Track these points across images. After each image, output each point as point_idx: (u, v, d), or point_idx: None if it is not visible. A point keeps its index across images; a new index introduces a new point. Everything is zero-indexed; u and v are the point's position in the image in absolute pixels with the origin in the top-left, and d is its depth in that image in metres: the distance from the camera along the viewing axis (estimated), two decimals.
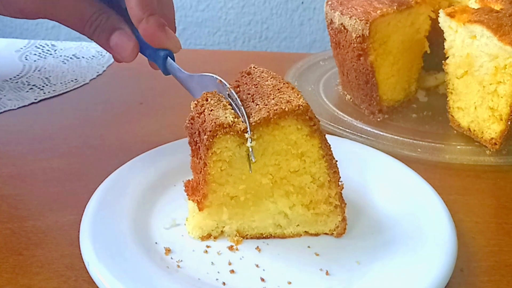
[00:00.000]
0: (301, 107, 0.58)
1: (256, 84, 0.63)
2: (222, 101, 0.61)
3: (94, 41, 0.71)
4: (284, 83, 0.62)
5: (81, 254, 0.59)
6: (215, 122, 0.57)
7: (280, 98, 0.59)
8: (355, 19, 0.91)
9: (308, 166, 0.61)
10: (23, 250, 0.63)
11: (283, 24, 1.55)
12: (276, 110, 0.57)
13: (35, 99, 1.02)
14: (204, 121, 0.58)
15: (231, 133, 0.57)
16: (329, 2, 1.00)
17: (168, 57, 0.69)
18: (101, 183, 0.69)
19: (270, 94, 0.60)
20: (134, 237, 0.61)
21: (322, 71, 1.15)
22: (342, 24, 0.95)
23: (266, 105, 0.59)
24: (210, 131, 0.57)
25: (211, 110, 0.59)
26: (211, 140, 0.57)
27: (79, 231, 0.61)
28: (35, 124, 0.94)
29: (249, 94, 0.62)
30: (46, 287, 0.58)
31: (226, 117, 0.58)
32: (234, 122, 0.57)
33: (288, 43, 1.57)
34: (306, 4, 1.52)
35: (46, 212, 0.70)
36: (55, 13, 0.69)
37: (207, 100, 0.61)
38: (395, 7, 0.91)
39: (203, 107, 0.60)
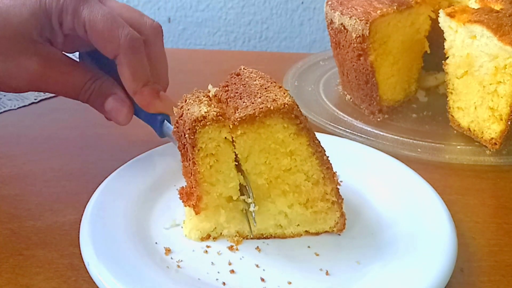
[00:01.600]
0: (286, 105, 0.58)
1: (244, 84, 0.63)
2: (199, 97, 0.62)
3: (90, 105, 0.73)
4: (271, 82, 0.62)
5: (81, 254, 0.59)
6: (190, 119, 0.58)
7: (266, 96, 0.59)
8: (355, 19, 0.91)
9: (299, 164, 0.62)
10: (23, 250, 0.63)
11: (283, 24, 1.55)
12: (262, 108, 0.57)
13: (35, 99, 1.02)
14: (185, 122, 0.59)
15: (208, 123, 0.57)
16: (329, 2, 1.00)
17: (165, 121, 0.71)
18: (101, 183, 0.69)
19: (257, 93, 0.60)
20: (134, 237, 0.61)
21: (322, 71, 1.15)
22: (342, 24, 0.95)
23: (253, 103, 0.59)
24: (189, 129, 0.57)
25: (188, 109, 0.60)
26: (192, 137, 0.58)
27: (79, 231, 0.61)
28: (35, 124, 0.94)
29: (237, 92, 0.62)
30: (46, 287, 0.58)
31: (200, 110, 0.58)
32: (207, 112, 0.58)
33: (288, 43, 1.57)
34: (306, 4, 1.52)
35: (46, 212, 0.70)
36: (47, 88, 0.71)
37: (185, 101, 0.62)
38: (395, 7, 0.91)
39: (182, 109, 0.61)
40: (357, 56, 0.94)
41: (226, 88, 0.64)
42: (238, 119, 0.57)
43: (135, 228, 0.63)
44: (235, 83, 0.64)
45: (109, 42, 0.68)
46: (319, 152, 0.61)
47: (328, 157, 0.62)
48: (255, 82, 0.63)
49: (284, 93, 0.60)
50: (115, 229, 0.61)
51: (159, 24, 0.75)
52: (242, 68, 0.67)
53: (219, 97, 0.63)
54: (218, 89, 0.65)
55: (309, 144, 0.61)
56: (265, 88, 0.61)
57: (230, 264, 0.60)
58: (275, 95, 0.59)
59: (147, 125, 0.74)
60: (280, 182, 0.63)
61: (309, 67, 1.17)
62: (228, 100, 0.61)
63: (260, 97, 0.59)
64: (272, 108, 0.57)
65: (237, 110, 0.59)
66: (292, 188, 0.63)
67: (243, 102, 0.60)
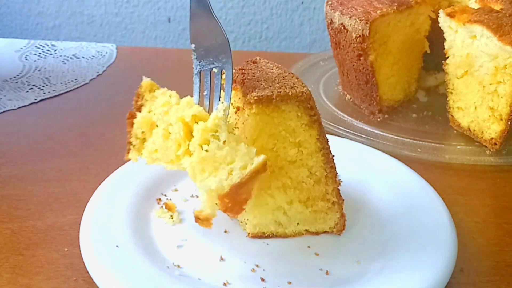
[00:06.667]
0: (304, 94, 0.58)
1: (261, 70, 0.64)
2: None
3: None
4: (289, 73, 0.63)
5: (81, 254, 0.59)
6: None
7: (284, 83, 0.60)
8: (355, 19, 0.91)
9: (305, 158, 0.62)
10: (23, 250, 0.63)
11: (283, 24, 1.54)
12: (280, 92, 0.58)
13: (35, 99, 1.02)
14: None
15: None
16: (329, 2, 1.00)
17: None
18: (101, 183, 0.69)
19: (275, 79, 0.61)
20: (134, 237, 0.61)
21: (322, 71, 1.15)
22: (342, 24, 0.94)
23: (271, 86, 0.59)
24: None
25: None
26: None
27: (79, 231, 0.61)
28: (35, 124, 0.94)
29: (254, 76, 0.62)
30: (46, 287, 0.58)
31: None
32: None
33: (288, 43, 1.57)
34: (306, 4, 1.52)
35: (46, 212, 0.70)
36: None
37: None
38: (395, 7, 0.91)
39: None
40: (357, 56, 0.94)
41: (242, 70, 0.64)
42: (255, 97, 0.58)
43: (135, 228, 0.63)
44: (251, 68, 0.65)
45: None
46: (326, 149, 0.61)
47: (333, 156, 0.62)
48: (272, 71, 0.63)
49: (301, 83, 0.60)
50: (115, 229, 0.61)
51: None
52: (258, 58, 0.68)
53: (235, 78, 0.63)
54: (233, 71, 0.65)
55: (318, 139, 0.61)
56: (283, 77, 0.62)
57: (230, 264, 0.60)
58: (293, 84, 0.60)
59: None
60: (283, 174, 0.63)
61: (309, 67, 1.17)
62: (245, 81, 0.61)
63: (278, 83, 0.60)
64: (290, 93, 0.58)
65: (255, 90, 0.59)
66: (293, 184, 0.63)
67: (261, 84, 0.60)
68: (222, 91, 0.60)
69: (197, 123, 0.55)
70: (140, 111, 0.58)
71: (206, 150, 0.54)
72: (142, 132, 0.58)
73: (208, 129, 0.55)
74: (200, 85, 0.60)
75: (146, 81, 0.59)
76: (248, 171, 0.54)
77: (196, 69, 0.61)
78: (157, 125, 0.57)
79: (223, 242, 0.63)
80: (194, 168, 0.54)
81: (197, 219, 0.55)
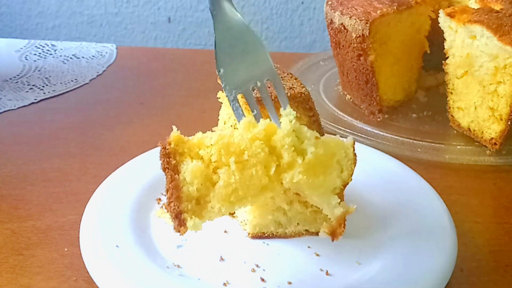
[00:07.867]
0: (303, 95, 0.58)
1: None
2: None
3: None
4: (287, 73, 0.63)
5: (81, 254, 0.59)
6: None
7: (283, 84, 0.59)
8: (355, 19, 0.91)
9: None
10: (23, 250, 0.63)
11: (283, 24, 1.54)
12: None
13: (35, 99, 1.02)
14: None
15: None
16: (329, 2, 1.00)
17: None
18: (101, 183, 0.69)
19: None
20: (134, 237, 0.61)
21: (322, 71, 1.15)
22: (342, 24, 0.95)
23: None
24: None
25: None
26: None
27: (79, 231, 0.61)
28: (35, 124, 0.94)
29: None
30: (46, 287, 0.58)
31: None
32: None
33: (288, 43, 1.57)
34: (306, 4, 1.52)
35: (46, 212, 0.70)
36: None
37: None
38: (395, 7, 0.91)
39: None
40: (357, 56, 0.94)
41: None
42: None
43: (135, 228, 0.63)
44: None
45: None
46: None
47: None
48: None
49: (300, 84, 0.60)
50: (115, 229, 0.61)
51: None
52: None
53: None
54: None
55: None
56: (281, 78, 0.61)
57: (230, 264, 0.60)
58: (292, 84, 0.60)
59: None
60: None
61: (309, 67, 1.17)
62: None
63: None
64: (289, 94, 0.58)
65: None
66: None
67: None
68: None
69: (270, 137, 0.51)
70: (177, 172, 0.49)
71: (298, 154, 0.49)
72: (197, 188, 0.50)
73: (290, 133, 0.50)
74: (240, 107, 0.57)
75: (174, 133, 0.50)
76: (352, 156, 0.51)
77: (231, 94, 0.57)
78: (214, 170, 0.50)
79: (223, 242, 0.63)
80: (308, 176, 0.50)
81: (334, 233, 0.51)
